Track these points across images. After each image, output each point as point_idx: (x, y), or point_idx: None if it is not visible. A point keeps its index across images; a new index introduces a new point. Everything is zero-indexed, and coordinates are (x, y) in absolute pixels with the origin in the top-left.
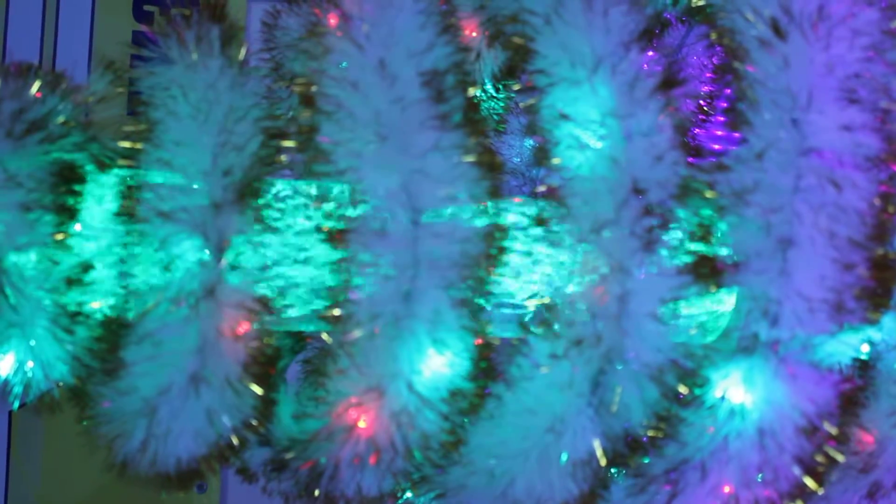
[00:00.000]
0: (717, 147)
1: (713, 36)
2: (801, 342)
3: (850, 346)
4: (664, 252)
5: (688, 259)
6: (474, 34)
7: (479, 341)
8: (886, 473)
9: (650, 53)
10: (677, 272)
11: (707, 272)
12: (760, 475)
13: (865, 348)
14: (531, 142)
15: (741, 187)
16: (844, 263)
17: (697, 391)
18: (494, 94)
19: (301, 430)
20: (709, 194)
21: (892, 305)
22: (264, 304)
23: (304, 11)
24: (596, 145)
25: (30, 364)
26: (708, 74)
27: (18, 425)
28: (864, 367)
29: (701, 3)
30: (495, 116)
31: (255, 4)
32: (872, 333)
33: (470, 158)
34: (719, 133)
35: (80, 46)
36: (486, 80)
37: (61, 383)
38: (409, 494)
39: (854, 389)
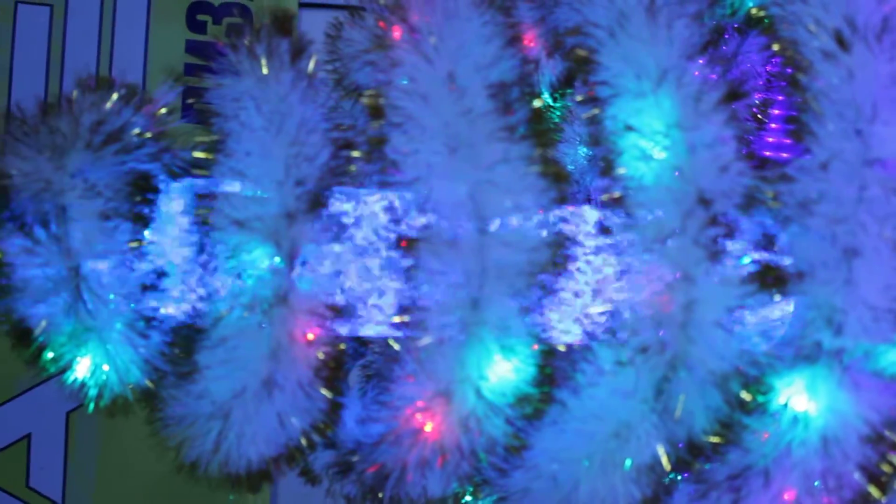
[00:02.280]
0: (780, 157)
1: (775, 47)
2: (865, 351)
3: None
4: (729, 261)
5: (752, 268)
6: (532, 44)
7: (545, 348)
8: None
9: (712, 65)
10: (741, 281)
11: (771, 281)
12: (822, 483)
13: None
14: (586, 150)
15: (805, 197)
16: None
17: (761, 398)
18: (552, 104)
19: (366, 433)
20: (773, 204)
21: None
22: (335, 310)
23: (367, 24)
24: (660, 156)
25: (105, 367)
26: (761, 82)
27: (76, 428)
28: None
29: (761, 14)
30: (552, 125)
31: (306, 12)
32: None
33: (536, 169)
34: (777, 142)
35: (136, 55)
36: (544, 90)
37: (134, 386)
38: (468, 498)
39: None
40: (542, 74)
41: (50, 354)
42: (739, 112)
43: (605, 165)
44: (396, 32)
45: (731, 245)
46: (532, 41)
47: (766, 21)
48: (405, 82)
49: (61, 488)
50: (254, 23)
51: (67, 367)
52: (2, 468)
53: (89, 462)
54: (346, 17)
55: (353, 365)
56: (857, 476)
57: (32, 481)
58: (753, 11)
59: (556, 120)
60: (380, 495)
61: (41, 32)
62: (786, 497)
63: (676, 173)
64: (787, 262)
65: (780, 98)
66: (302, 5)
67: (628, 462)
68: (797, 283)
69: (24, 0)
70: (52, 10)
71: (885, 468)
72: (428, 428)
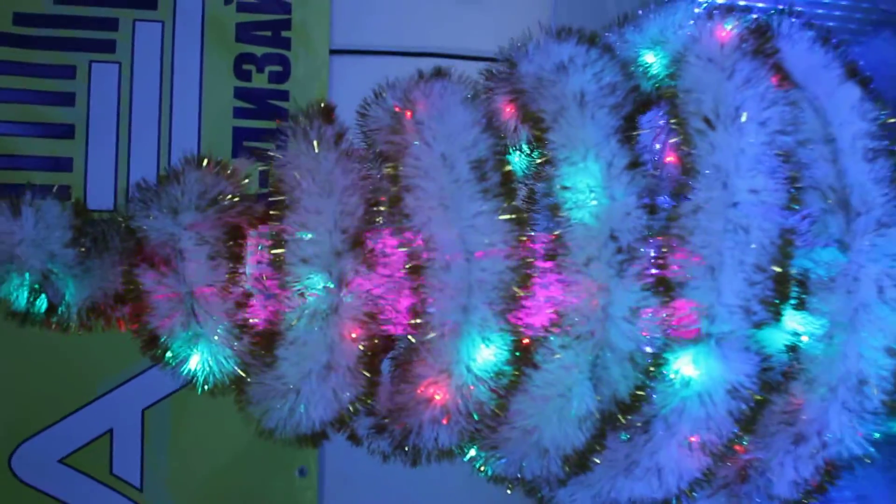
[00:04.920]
0: (668, 203)
1: (672, 122)
2: (729, 333)
3: (778, 336)
4: (633, 274)
5: (649, 280)
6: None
7: (514, 339)
8: (807, 426)
9: (623, 141)
10: (642, 289)
11: (663, 288)
12: (704, 425)
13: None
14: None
15: (684, 232)
16: (751, 282)
17: (661, 369)
18: (529, 153)
19: (395, 402)
20: (661, 238)
21: (810, 307)
22: (371, 316)
23: (387, 104)
24: (590, 204)
25: (209, 361)
26: (661, 148)
27: (150, 423)
28: (795, 350)
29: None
30: (530, 170)
31: (336, 59)
32: (797, 327)
33: (504, 217)
34: (668, 191)
35: (192, 101)
36: (524, 143)
37: (230, 374)
38: (472, 453)
39: (770, 366)
40: (521, 132)
41: (170, 353)
42: (642, 173)
43: (553, 210)
44: (408, 115)
45: (633, 265)
46: (512, 112)
47: (668, 103)
48: (411, 159)
49: (139, 474)
50: (306, 112)
51: (183, 362)
52: (89, 459)
53: (162, 451)
54: (371, 98)
55: (386, 354)
56: (727, 419)
57: (115, 469)
58: (660, 91)
59: (527, 170)
60: (406, 448)
61: (111, 87)
62: (681, 436)
63: (596, 219)
64: (672, 275)
65: (673, 159)
66: (333, 52)
67: (572, 413)
68: (679, 290)
69: (97, 59)
70: (120, 67)
71: (746, 414)
72: (437, 397)
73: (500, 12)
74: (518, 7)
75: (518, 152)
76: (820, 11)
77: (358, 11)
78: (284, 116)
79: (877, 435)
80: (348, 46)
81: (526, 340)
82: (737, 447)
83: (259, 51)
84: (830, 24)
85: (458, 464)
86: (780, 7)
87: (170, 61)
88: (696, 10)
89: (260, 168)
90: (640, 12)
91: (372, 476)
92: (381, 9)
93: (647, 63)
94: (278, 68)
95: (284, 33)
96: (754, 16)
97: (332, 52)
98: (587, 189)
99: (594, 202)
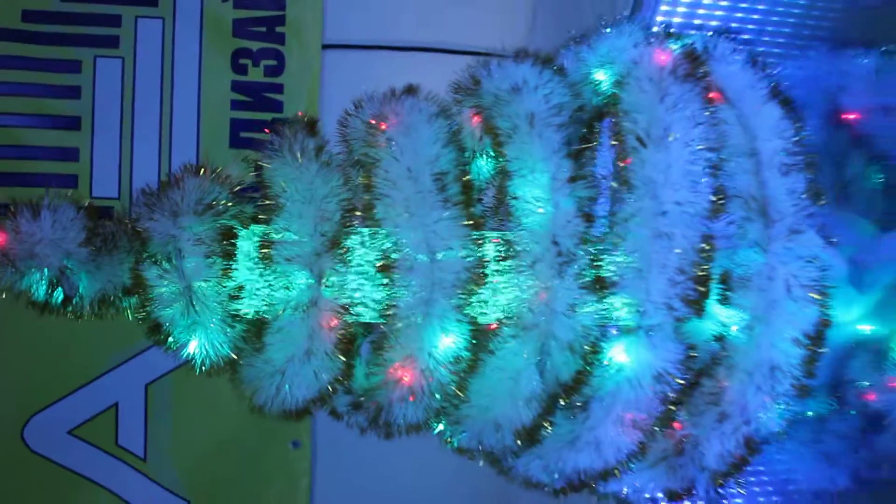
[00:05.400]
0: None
1: (613, 139)
2: (662, 327)
3: (706, 327)
4: (572, 275)
5: (588, 279)
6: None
7: (471, 328)
8: (729, 406)
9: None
10: (579, 287)
11: (598, 287)
12: (635, 405)
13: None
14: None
15: (618, 238)
16: (673, 282)
17: (598, 356)
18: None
19: (369, 383)
20: (597, 242)
21: (733, 302)
22: (345, 308)
23: (364, 115)
24: (537, 212)
25: (206, 345)
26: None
27: (153, 398)
28: (722, 339)
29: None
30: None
31: (328, 53)
32: (724, 319)
33: (463, 223)
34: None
35: (191, 92)
36: (489, 148)
37: (224, 357)
38: (440, 427)
39: (695, 354)
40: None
41: (172, 339)
42: (582, 185)
43: (505, 217)
44: (382, 127)
45: (571, 266)
46: (478, 121)
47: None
48: (382, 172)
49: (143, 445)
50: (291, 125)
51: (182, 346)
52: (95, 431)
53: (165, 424)
54: (351, 109)
55: (363, 341)
56: (654, 400)
57: (121, 440)
58: (605, 109)
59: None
60: (379, 422)
61: (115, 81)
62: (616, 413)
63: (541, 225)
64: (607, 275)
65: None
66: (325, 46)
67: (521, 393)
68: (613, 289)
69: (102, 54)
70: (123, 62)
71: (672, 396)
72: (405, 378)
73: (486, 8)
74: (504, 3)
75: (485, 156)
76: (751, 26)
77: (349, 8)
78: (279, 108)
79: (789, 414)
80: (340, 41)
81: (482, 329)
82: (675, 424)
83: (255, 46)
84: (765, 38)
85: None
86: (718, 30)
87: (170, 56)
88: (641, 33)
89: (251, 174)
90: (594, 31)
91: (362, 448)
92: (371, 5)
93: (598, 80)
94: (273, 62)
95: (279, 29)
96: (690, 42)
97: (325, 46)
98: (534, 199)
99: (540, 210)
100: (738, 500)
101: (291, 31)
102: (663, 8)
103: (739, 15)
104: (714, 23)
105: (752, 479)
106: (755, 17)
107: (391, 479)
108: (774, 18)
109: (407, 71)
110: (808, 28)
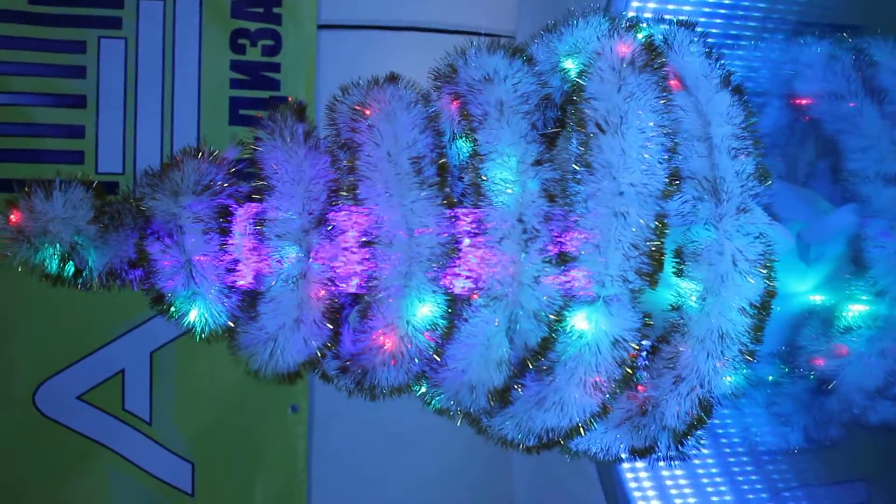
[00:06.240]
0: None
1: (577, 125)
2: (619, 297)
3: (663, 297)
4: (536, 250)
5: (551, 253)
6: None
7: (446, 298)
8: (684, 369)
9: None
10: (543, 261)
11: (560, 260)
12: (594, 369)
13: (693, 298)
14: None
15: (578, 216)
16: (627, 257)
17: (561, 324)
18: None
19: (356, 348)
20: (560, 221)
21: (687, 275)
22: (332, 280)
23: (350, 100)
24: (506, 192)
25: (205, 314)
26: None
27: (158, 364)
28: (679, 309)
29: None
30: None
31: (323, 33)
32: (684, 288)
33: (438, 202)
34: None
35: (191, 71)
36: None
37: (222, 325)
38: (423, 389)
39: (650, 322)
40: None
41: (173, 308)
42: (546, 168)
43: (477, 196)
44: (367, 112)
45: (535, 242)
46: (457, 106)
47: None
48: (365, 156)
49: (149, 410)
50: (282, 110)
51: (184, 315)
52: (103, 396)
53: (169, 390)
54: (338, 94)
55: (352, 310)
56: (611, 364)
57: (127, 405)
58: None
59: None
60: (364, 385)
61: (119, 61)
62: (579, 376)
63: (508, 205)
64: (568, 250)
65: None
66: (321, 27)
67: (493, 357)
68: (573, 262)
69: (105, 35)
70: (126, 42)
71: (626, 359)
72: (387, 344)
73: None
74: None
75: (464, 138)
76: (706, 10)
77: None
78: (276, 87)
79: (741, 378)
80: (335, 22)
81: (455, 299)
82: (639, 387)
83: (252, 26)
84: (717, 21)
85: None
86: (678, 21)
87: (171, 36)
88: (606, 25)
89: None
90: (565, 21)
91: (357, 413)
92: None
93: (566, 69)
94: (270, 42)
95: (276, 10)
96: (650, 33)
97: (320, 26)
98: (502, 181)
99: (509, 191)
100: (710, 460)
101: (288, 12)
102: None
103: (711, 1)
104: (687, 7)
105: (724, 440)
106: (726, 2)
107: (386, 442)
108: (745, 4)
109: (400, 50)
110: (778, 13)
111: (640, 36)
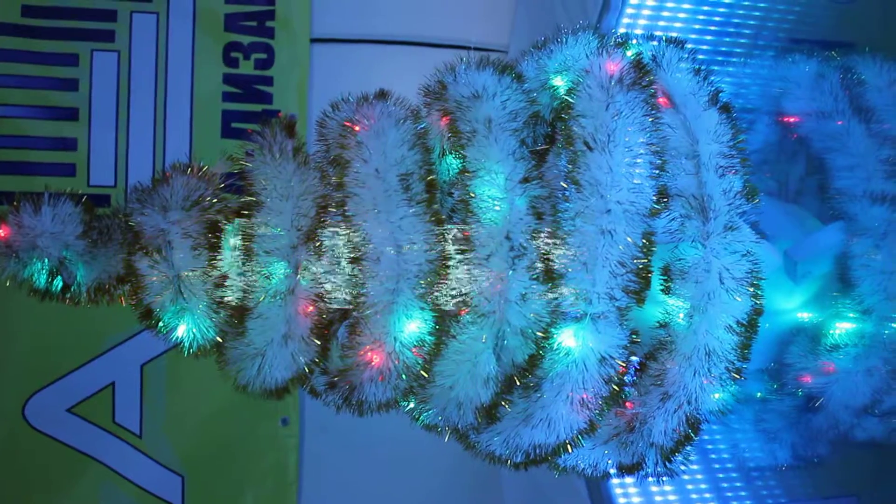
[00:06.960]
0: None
1: (565, 142)
2: (606, 315)
3: (650, 315)
4: (524, 267)
5: (538, 271)
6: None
7: (433, 314)
8: (671, 386)
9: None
10: (531, 277)
11: (548, 277)
12: (581, 385)
13: (681, 316)
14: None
15: (566, 234)
16: (614, 274)
17: (549, 341)
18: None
19: (344, 364)
20: (547, 238)
21: (674, 292)
22: (320, 296)
23: (340, 115)
24: (494, 209)
25: (193, 330)
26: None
27: (148, 377)
28: (667, 326)
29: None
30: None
31: (316, 47)
32: (671, 306)
33: (426, 219)
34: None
35: (184, 85)
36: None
37: (210, 340)
38: (411, 405)
39: (637, 339)
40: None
41: (162, 323)
42: (533, 185)
43: (465, 211)
44: (356, 128)
45: (523, 259)
46: (446, 122)
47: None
48: (354, 172)
49: (139, 423)
50: (271, 127)
51: (172, 330)
52: (93, 408)
53: (160, 402)
54: (328, 110)
55: (340, 325)
56: (599, 380)
57: (117, 418)
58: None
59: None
60: (352, 401)
61: (111, 74)
62: (566, 393)
63: (495, 222)
64: (556, 267)
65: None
66: (314, 41)
67: (480, 374)
68: (560, 280)
69: (98, 48)
70: (119, 55)
71: (615, 376)
72: (374, 360)
73: (471, 2)
74: None
75: (452, 154)
76: (696, 26)
77: (337, 3)
78: (269, 100)
79: (729, 395)
80: (328, 35)
81: (443, 316)
82: (627, 403)
83: (245, 40)
84: (708, 38)
85: None
86: (667, 38)
87: (164, 50)
88: (595, 42)
89: (234, 169)
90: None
91: (348, 426)
92: (357, 1)
93: (556, 86)
94: (263, 56)
95: (269, 23)
96: (639, 51)
97: (313, 40)
98: (490, 197)
99: (497, 208)
100: (700, 476)
101: (281, 26)
102: (629, 10)
103: (702, 17)
104: (678, 24)
105: (713, 455)
106: (717, 19)
107: (376, 456)
108: (735, 20)
109: (394, 64)
110: (768, 30)
111: (628, 53)
